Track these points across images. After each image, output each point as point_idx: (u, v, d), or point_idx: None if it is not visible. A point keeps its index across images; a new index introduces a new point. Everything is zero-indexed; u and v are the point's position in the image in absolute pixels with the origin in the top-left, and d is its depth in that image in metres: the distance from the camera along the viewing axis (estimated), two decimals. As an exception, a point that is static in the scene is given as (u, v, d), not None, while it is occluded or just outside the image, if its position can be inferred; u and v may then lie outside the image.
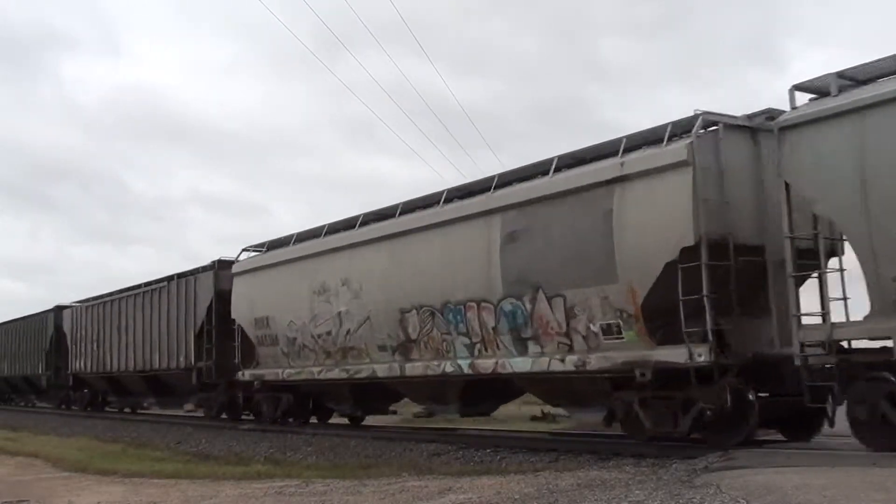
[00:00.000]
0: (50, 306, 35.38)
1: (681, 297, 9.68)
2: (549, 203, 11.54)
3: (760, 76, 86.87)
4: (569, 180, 11.34)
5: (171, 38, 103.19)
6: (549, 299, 11.47)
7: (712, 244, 9.66)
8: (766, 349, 9.93)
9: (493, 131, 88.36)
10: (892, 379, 8.39)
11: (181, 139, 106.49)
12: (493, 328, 12.32)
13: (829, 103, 9.02)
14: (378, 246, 14.75)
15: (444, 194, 13.64)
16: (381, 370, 14.65)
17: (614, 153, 10.84)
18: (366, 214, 15.69)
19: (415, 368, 13.86)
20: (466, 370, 12.83)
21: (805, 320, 9.23)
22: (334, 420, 18.98)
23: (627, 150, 10.70)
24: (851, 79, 9.19)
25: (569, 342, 11.34)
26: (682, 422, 10.29)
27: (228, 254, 20.26)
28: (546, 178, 11.77)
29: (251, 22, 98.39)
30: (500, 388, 13.71)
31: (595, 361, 10.86)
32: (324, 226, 16.74)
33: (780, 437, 10.78)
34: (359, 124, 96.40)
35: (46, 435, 20.86)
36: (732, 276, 9.78)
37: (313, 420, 18.63)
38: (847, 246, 9.26)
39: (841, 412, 9.14)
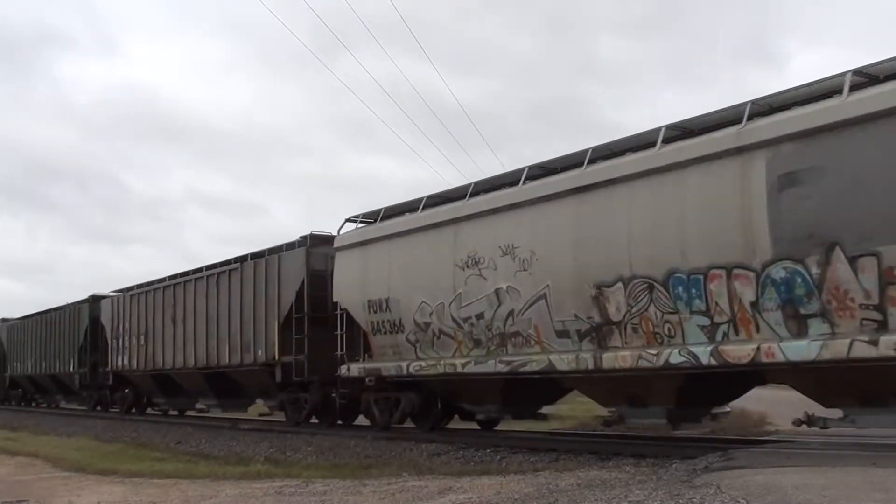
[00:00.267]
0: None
1: None
2: (857, 128, 8.44)
3: (759, 75, 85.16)
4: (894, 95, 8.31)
5: (167, 38, 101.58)
6: (851, 260, 8.43)
7: None
8: None
9: (492, 131, 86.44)
10: None
11: (179, 139, 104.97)
12: (753, 303, 9.26)
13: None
14: (559, 203, 11.45)
15: (662, 131, 10.46)
16: (562, 362, 11.31)
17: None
18: (531, 167, 12.42)
19: (619, 359, 10.63)
20: (706, 359, 9.64)
21: None
22: (457, 424, 15.88)
23: None
24: None
25: (881, 318, 8.29)
26: None
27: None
28: (843, 98, 8.68)
29: (248, 21, 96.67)
30: (731, 383, 10.69)
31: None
32: (468, 184, 13.40)
33: (781, 436, 9.99)
34: (357, 124, 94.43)
35: (46, 435, 20.66)
36: None
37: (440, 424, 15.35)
38: None
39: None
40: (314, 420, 17.83)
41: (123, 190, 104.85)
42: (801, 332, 8.94)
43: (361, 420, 17.04)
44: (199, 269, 20.98)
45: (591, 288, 10.90)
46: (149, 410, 26.34)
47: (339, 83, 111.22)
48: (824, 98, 9.16)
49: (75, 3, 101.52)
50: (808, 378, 9.59)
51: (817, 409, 9.71)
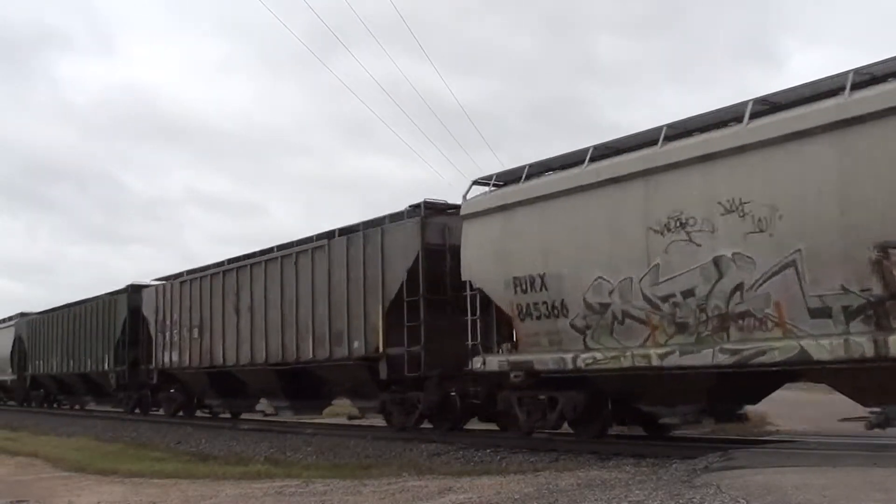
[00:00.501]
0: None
1: None
2: None
3: (758, 74, 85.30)
4: None
5: (166, 37, 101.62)
6: None
7: None
8: None
9: (492, 131, 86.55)
10: None
11: (178, 138, 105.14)
12: None
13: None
14: (815, 143, 8.76)
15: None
16: (822, 349, 8.65)
17: None
18: (755, 101, 9.68)
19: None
20: None
21: None
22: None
23: None
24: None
25: None
26: None
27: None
28: None
29: (247, 21, 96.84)
30: None
31: None
32: (658, 127, 10.65)
33: (782, 436, 9.71)
34: (357, 124, 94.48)
35: (46, 435, 20.62)
36: None
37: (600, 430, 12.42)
38: None
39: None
40: (426, 425, 15.05)
41: (123, 190, 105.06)
42: None
43: (474, 423, 15.00)
44: (269, 250, 18.16)
45: (867, 251, 8.31)
46: (197, 413, 23.37)
47: (338, 83, 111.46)
48: None
49: (74, 4, 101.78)
50: None
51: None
